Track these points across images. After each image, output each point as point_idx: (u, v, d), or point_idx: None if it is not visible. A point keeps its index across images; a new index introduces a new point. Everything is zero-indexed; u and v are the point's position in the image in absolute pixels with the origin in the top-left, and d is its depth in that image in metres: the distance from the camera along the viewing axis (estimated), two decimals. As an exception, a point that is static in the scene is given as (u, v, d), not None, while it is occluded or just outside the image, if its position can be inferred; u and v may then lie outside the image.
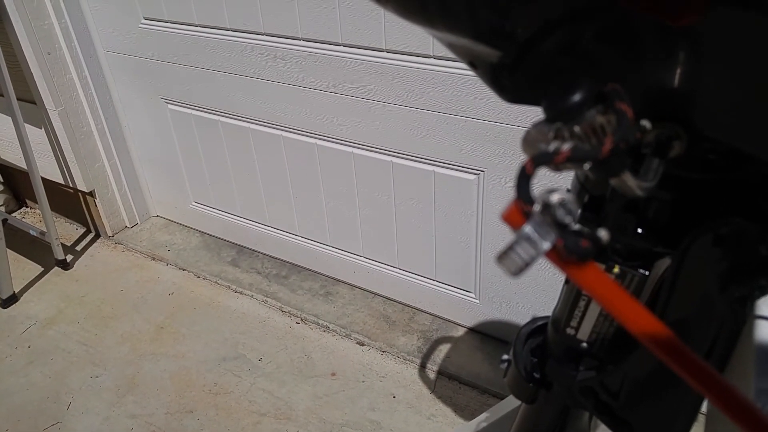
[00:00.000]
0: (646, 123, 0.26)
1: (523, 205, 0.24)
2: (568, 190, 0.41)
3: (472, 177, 1.56)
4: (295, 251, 2.10)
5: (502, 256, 0.24)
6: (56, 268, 2.24)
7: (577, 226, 0.24)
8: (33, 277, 2.21)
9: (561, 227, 0.24)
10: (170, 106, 2.05)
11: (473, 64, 0.34)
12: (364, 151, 1.70)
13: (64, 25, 1.96)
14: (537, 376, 0.61)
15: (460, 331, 1.83)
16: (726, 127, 0.29)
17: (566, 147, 0.24)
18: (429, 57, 1.44)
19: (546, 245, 0.23)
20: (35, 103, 2.06)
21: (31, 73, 1.98)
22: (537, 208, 0.24)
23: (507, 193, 1.52)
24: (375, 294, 1.98)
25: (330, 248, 2.00)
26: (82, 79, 2.06)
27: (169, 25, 1.85)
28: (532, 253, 0.23)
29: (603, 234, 0.23)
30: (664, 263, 0.42)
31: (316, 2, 1.53)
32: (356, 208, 1.83)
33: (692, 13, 0.25)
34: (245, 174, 2.03)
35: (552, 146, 0.25)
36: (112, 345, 1.91)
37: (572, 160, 0.24)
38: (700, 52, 0.26)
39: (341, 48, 1.56)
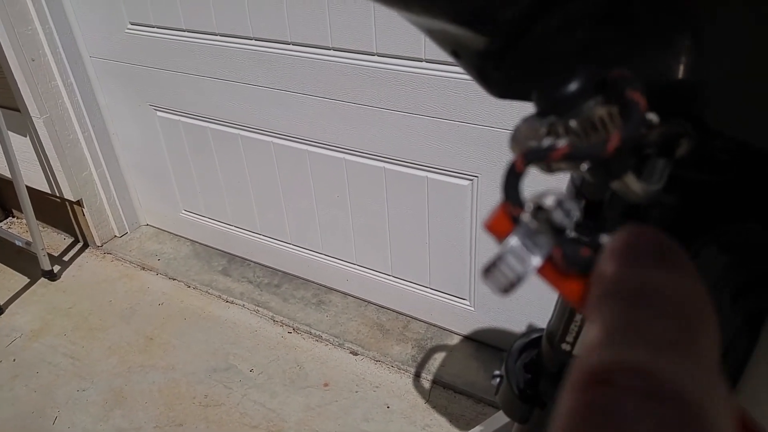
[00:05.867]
0: (653, 117, 0.22)
1: (511, 209, 0.20)
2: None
3: (466, 183, 1.52)
4: (287, 259, 2.06)
5: (488, 272, 0.20)
6: (42, 279, 2.20)
7: (573, 234, 0.21)
8: (18, 289, 2.16)
9: (558, 233, 0.20)
10: (158, 113, 2.01)
11: (456, 54, 0.30)
12: (355, 157, 1.67)
13: (48, 30, 1.92)
14: (531, 393, 0.56)
15: (455, 339, 1.79)
16: (740, 121, 0.25)
17: (563, 143, 0.21)
18: (421, 60, 1.41)
19: (540, 256, 0.19)
20: (19, 111, 2.02)
21: (15, 80, 1.93)
22: (528, 212, 0.20)
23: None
24: (368, 302, 1.95)
25: (322, 256, 1.96)
26: (67, 85, 2.02)
27: (156, 30, 1.82)
28: (520, 267, 0.19)
29: (606, 241, 0.20)
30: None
31: (305, 5, 1.50)
32: (348, 215, 1.79)
33: None
34: (235, 181, 1.99)
35: (546, 142, 0.22)
36: (99, 357, 1.87)
37: (571, 158, 0.21)
38: (710, 31, 0.23)
39: (331, 52, 1.53)
